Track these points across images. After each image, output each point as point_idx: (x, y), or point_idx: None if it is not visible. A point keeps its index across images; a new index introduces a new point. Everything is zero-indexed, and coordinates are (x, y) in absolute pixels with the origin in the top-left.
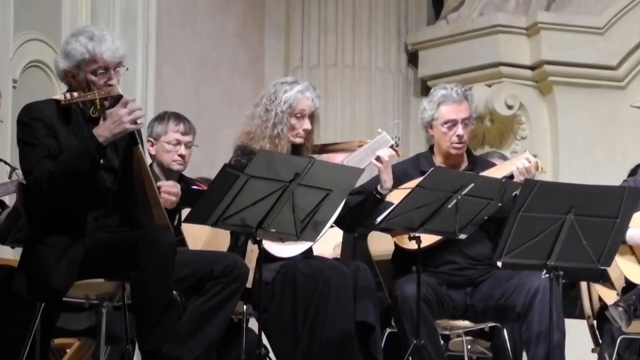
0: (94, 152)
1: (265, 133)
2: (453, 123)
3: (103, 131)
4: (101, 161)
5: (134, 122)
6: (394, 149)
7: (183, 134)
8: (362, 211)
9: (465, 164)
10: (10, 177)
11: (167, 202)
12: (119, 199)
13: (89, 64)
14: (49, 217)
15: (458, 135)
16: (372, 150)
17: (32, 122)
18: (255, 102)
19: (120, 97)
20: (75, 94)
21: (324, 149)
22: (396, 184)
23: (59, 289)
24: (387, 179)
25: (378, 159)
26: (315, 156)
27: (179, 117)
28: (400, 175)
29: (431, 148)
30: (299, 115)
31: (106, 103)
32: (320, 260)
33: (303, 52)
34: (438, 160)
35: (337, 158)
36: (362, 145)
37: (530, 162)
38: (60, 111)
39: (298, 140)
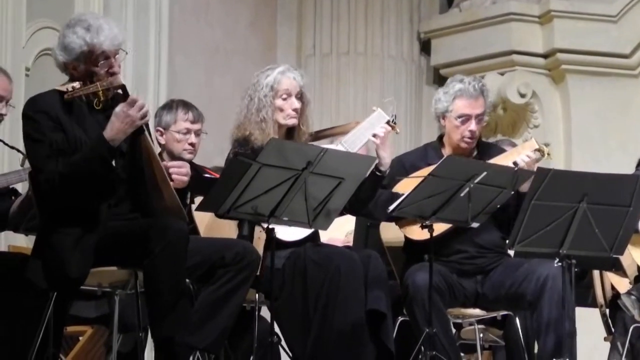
0: (106, 156)
1: (251, 119)
2: (467, 118)
3: (116, 134)
4: (113, 163)
5: (143, 117)
6: (390, 125)
7: (192, 122)
8: (362, 192)
9: (474, 154)
10: (22, 165)
11: (178, 182)
12: (130, 186)
13: (89, 55)
14: (60, 209)
15: (470, 131)
16: (367, 127)
17: (36, 115)
18: (242, 96)
19: (122, 86)
20: (77, 85)
21: (320, 135)
22: (403, 176)
23: (75, 278)
24: (386, 156)
25: (374, 136)
26: (315, 143)
27: (187, 105)
28: (408, 167)
29: (440, 138)
30: (284, 96)
31: (109, 93)
32: (329, 247)
33: (315, 40)
34: (447, 151)
35: (334, 141)
36: (358, 125)
37: (530, 158)
38: (64, 102)
39: (290, 122)
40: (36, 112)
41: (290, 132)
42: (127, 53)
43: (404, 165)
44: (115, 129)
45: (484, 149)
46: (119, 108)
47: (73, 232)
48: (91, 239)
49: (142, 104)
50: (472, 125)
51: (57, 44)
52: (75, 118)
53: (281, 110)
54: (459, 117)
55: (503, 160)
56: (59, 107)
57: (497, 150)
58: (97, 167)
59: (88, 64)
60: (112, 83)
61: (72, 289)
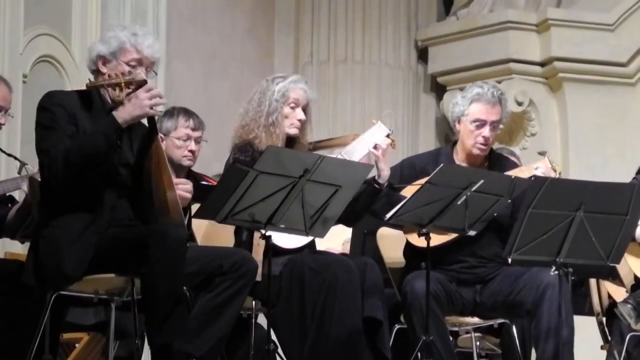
0: (111, 132)
1: (259, 122)
2: (482, 123)
3: (123, 113)
4: (118, 142)
5: (154, 107)
6: (390, 139)
7: (193, 129)
8: (359, 203)
9: (485, 164)
10: (20, 173)
11: (181, 199)
12: (133, 193)
13: (127, 54)
14: (62, 206)
15: (484, 137)
16: (367, 140)
17: (53, 107)
18: (248, 99)
19: (144, 82)
20: (100, 79)
21: (318, 145)
22: (413, 179)
23: (71, 274)
24: (385, 168)
25: (376, 147)
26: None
27: (188, 113)
28: (419, 171)
29: (454, 143)
30: (292, 104)
31: (131, 87)
32: (327, 254)
33: (313, 47)
34: (459, 157)
35: (333, 152)
36: (357, 138)
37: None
38: (81, 100)
39: (293, 131)
40: (53, 104)
41: (289, 142)
42: (156, 74)
43: (414, 168)
44: (123, 109)
45: (495, 161)
46: (133, 94)
47: (73, 229)
48: (92, 238)
49: (156, 94)
50: (486, 132)
51: (97, 40)
52: (92, 117)
53: (286, 118)
54: (474, 121)
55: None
56: (76, 104)
57: (509, 164)
58: (100, 142)
59: (120, 61)
60: (135, 77)
61: (66, 285)
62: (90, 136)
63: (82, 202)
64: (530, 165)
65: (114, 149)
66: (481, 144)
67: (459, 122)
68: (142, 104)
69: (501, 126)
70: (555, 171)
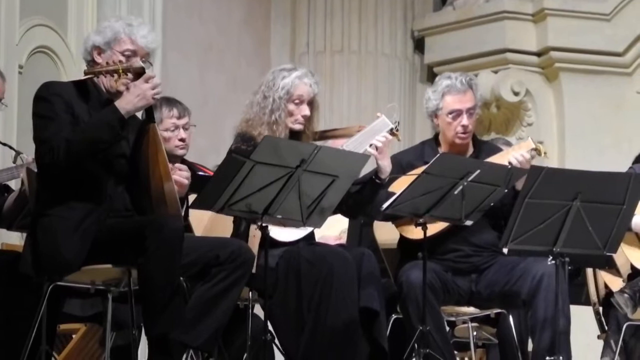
0: (115, 123)
1: (263, 119)
2: (458, 113)
3: (126, 104)
4: (120, 133)
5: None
6: (393, 133)
7: (178, 117)
8: (361, 197)
9: (470, 151)
10: (15, 162)
11: (179, 185)
12: (131, 182)
13: (121, 44)
14: (60, 195)
15: (463, 125)
16: (370, 134)
17: (51, 97)
18: (255, 90)
19: (142, 69)
20: (98, 67)
21: (323, 135)
22: (400, 174)
23: (71, 261)
24: (386, 164)
25: (373, 146)
26: (317, 143)
27: (170, 102)
28: (405, 166)
29: (436, 136)
30: (297, 101)
31: (129, 75)
32: (323, 246)
33: (309, 38)
34: (443, 149)
35: (337, 144)
36: (362, 130)
37: (524, 157)
38: (78, 91)
39: (297, 127)
40: (51, 94)
41: (295, 135)
42: (151, 64)
43: (400, 164)
44: (125, 99)
45: (481, 147)
46: (136, 81)
47: (73, 217)
48: (93, 225)
49: (157, 83)
50: (464, 120)
51: (92, 31)
52: (89, 107)
53: (291, 114)
54: (450, 113)
55: (499, 159)
56: (74, 94)
57: (494, 149)
58: (104, 133)
59: (115, 51)
60: (132, 65)
61: (66, 272)
62: (93, 126)
63: (80, 192)
64: (515, 147)
65: (118, 140)
66: (461, 133)
67: (436, 117)
68: (145, 94)
69: (478, 111)
70: (538, 151)
